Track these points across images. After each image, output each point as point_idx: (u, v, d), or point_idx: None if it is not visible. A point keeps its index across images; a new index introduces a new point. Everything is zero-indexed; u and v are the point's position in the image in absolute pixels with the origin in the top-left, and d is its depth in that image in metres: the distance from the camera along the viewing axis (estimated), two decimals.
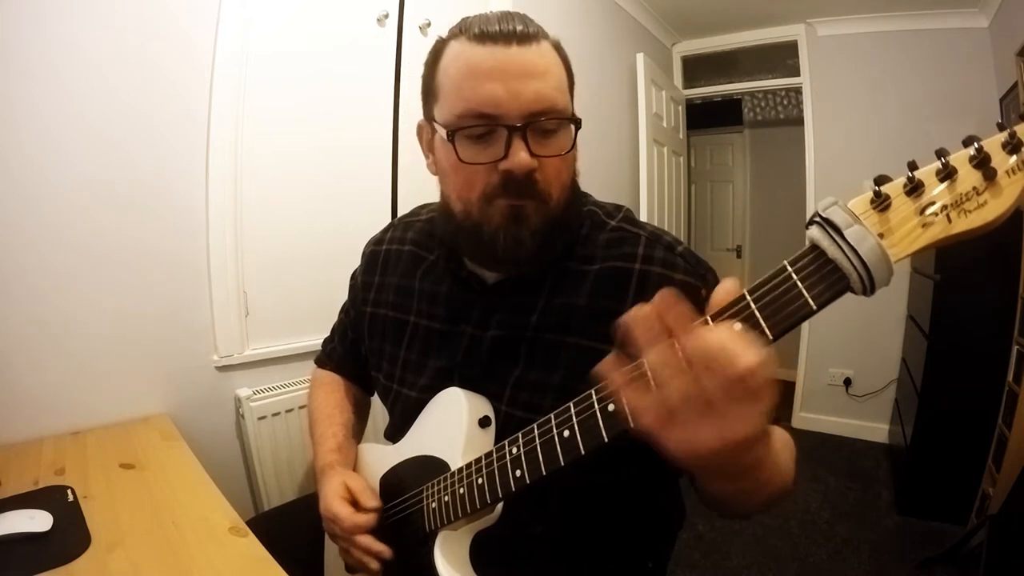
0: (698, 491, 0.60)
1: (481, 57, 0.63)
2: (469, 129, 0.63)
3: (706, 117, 4.16)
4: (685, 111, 3.62)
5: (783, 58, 3.43)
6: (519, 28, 0.64)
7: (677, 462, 0.44)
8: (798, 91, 3.36)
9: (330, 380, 1.01)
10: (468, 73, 0.63)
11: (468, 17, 0.67)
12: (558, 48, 0.69)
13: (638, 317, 0.43)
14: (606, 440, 0.51)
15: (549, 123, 0.64)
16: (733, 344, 0.39)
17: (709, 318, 0.44)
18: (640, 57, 2.92)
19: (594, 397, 0.52)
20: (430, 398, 0.76)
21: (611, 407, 0.51)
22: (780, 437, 0.65)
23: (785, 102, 4.11)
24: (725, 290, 0.45)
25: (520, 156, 0.62)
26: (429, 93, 0.70)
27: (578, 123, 0.67)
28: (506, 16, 0.65)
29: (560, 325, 0.70)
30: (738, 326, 0.42)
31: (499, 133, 0.63)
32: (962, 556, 1.84)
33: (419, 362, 0.81)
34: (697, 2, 3.10)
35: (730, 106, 4.22)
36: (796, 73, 3.29)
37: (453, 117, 0.64)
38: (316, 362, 1.06)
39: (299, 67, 1.51)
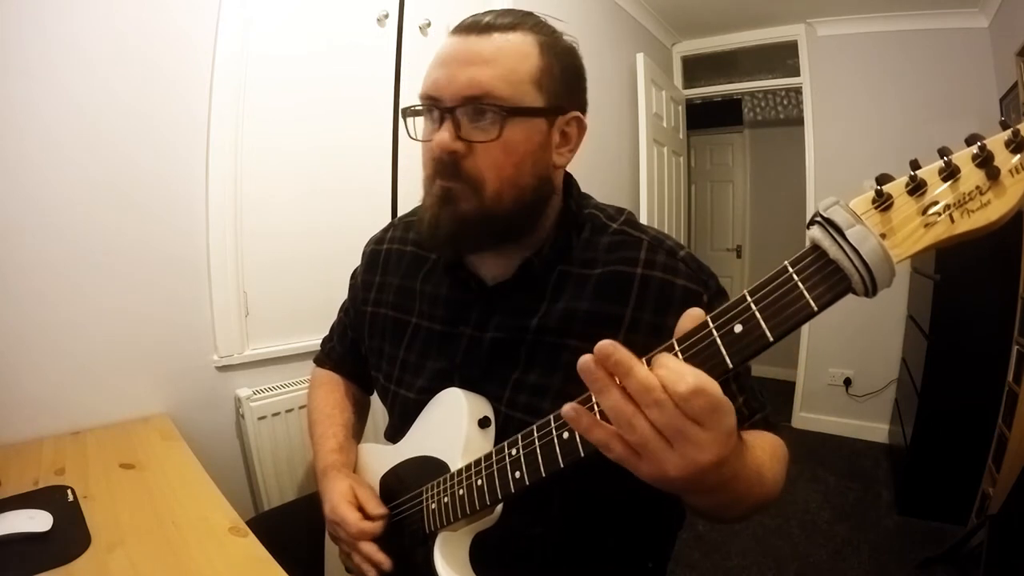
0: (682, 501, 0.61)
1: (443, 47, 0.68)
2: (414, 108, 0.70)
3: (706, 117, 4.16)
4: (685, 111, 3.61)
5: (783, 58, 3.42)
6: (487, 20, 0.66)
7: (653, 485, 0.46)
8: (798, 91, 3.36)
9: (329, 379, 1.01)
10: (432, 61, 0.68)
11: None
12: (547, 45, 0.68)
13: (581, 367, 0.44)
14: None
15: (478, 108, 0.64)
16: (669, 374, 0.42)
17: (675, 342, 0.46)
18: (640, 57, 2.91)
19: (594, 399, 0.52)
20: (429, 399, 0.76)
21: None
22: (767, 445, 0.66)
23: (785, 102, 4.11)
24: (691, 317, 0.46)
25: (440, 135, 0.65)
26: None
27: (508, 113, 0.64)
28: (497, 12, 0.68)
29: (561, 328, 0.70)
30: (688, 353, 0.45)
31: (436, 115, 0.67)
32: (962, 556, 1.84)
33: (418, 363, 0.81)
34: (697, 2, 3.10)
35: (730, 106, 4.22)
36: (796, 73, 3.29)
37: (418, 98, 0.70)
38: (315, 361, 1.06)
39: (299, 67, 1.51)
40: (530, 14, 0.70)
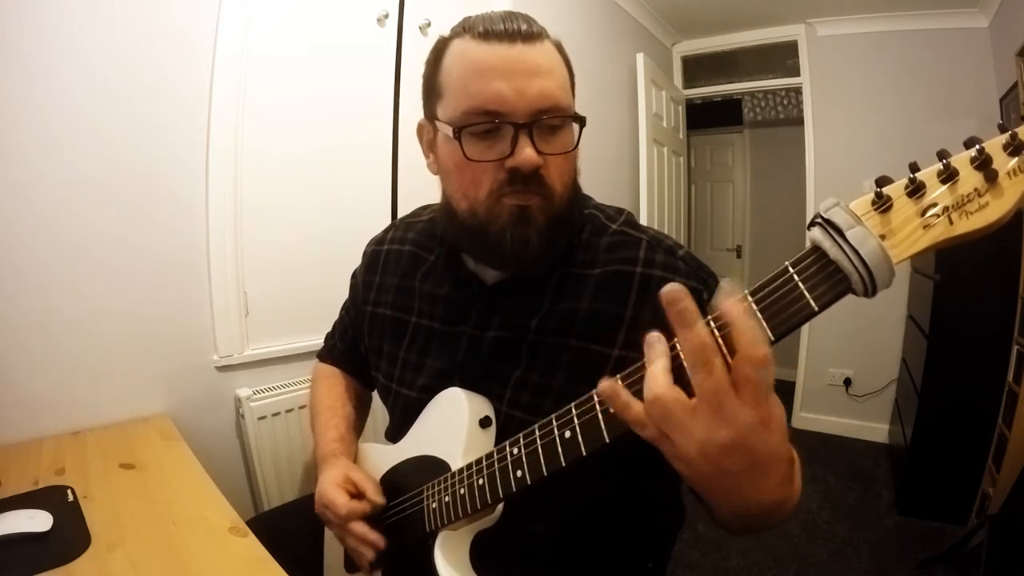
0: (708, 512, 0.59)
1: (486, 55, 0.63)
2: (475, 126, 0.63)
3: (706, 117, 4.16)
4: (685, 111, 3.61)
5: (783, 58, 3.42)
6: (523, 27, 0.64)
7: (686, 470, 0.45)
8: (798, 91, 3.36)
9: (332, 373, 1.01)
10: (474, 71, 0.63)
11: (471, 17, 0.67)
12: (560, 48, 0.69)
13: (669, 295, 0.43)
14: (607, 441, 0.51)
15: (554, 120, 0.64)
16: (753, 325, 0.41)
17: (711, 319, 0.45)
18: (640, 57, 2.91)
19: (596, 399, 0.52)
20: (429, 398, 0.76)
21: (612, 408, 0.51)
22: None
23: (785, 102, 4.11)
24: (727, 294, 0.45)
25: (527, 152, 0.62)
26: (432, 92, 0.70)
27: (582, 121, 0.67)
28: (510, 15, 0.65)
29: (562, 328, 0.70)
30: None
31: (505, 131, 0.63)
32: (962, 556, 1.84)
33: (418, 362, 0.81)
34: (697, 2, 3.10)
35: (730, 106, 4.22)
36: (796, 73, 3.29)
37: (458, 114, 0.64)
38: (318, 356, 1.07)
39: (299, 67, 1.51)
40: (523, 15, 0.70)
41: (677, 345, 0.44)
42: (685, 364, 0.43)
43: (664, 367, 0.44)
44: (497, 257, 0.69)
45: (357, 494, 0.76)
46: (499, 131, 0.63)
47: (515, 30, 0.64)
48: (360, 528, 0.74)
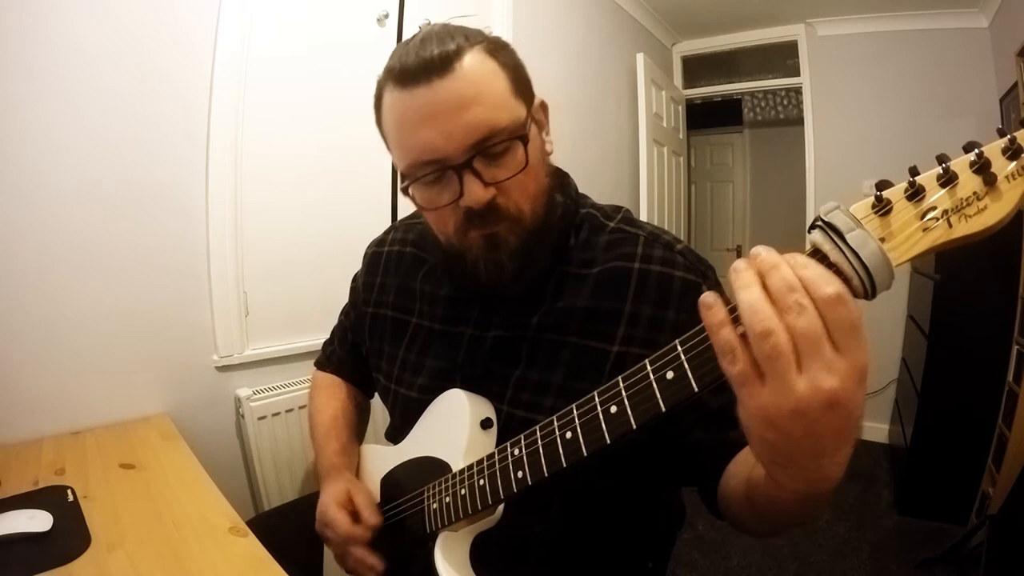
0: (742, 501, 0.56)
1: (407, 104, 0.61)
2: (420, 179, 0.64)
3: (706, 117, 4.16)
4: (685, 111, 3.62)
5: (783, 58, 3.43)
6: (437, 52, 0.60)
7: (767, 431, 0.39)
8: (798, 91, 3.36)
9: (331, 383, 1.01)
10: (401, 124, 0.63)
11: (395, 50, 0.64)
12: (494, 51, 0.64)
13: (733, 269, 0.39)
14: (608, 441, 0.51)
15: (494, 148, 0.62)
16: (813, 276, 0.37)
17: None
18: (640, 57, 2.91)
19: (596, 399, 0.52)
20: (430, 399, 0.77)
21: (613, 408, 0.51)
22: None
23: (785, 102, 4.11)
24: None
25: (473, 192, 0.61)
26: (384, 140, 0.70)
27: (524, 138, 0.62)
28: (424, 41, 0.61)
29: (561, 326, 0.70)
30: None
31: (449, 174, 0.62)
32: (962, 556, 1.84)
33: (419, 362, 0.81)
34: (697, 2, 3.10)
35: (730, 106, 4.22)
36: (796, 73, 3.29)
37: (404, 168, 0.65)
38: (316, 364, 1.06)
39: (299, 67, 1.51)
40: (452, 26, 0.65)
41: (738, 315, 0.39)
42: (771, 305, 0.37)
43: (762, 296, 0.37)
44: (475, 283, 0.71)
45: (355, 513, 0.77)
46: (444, 175, 0.63)
47: (429, 61, 0.60)
48: (359, 552, 0.74)
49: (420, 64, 0.60)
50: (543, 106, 0.71)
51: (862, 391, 0.37)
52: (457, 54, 0.60)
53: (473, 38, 0.63)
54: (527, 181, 0.65)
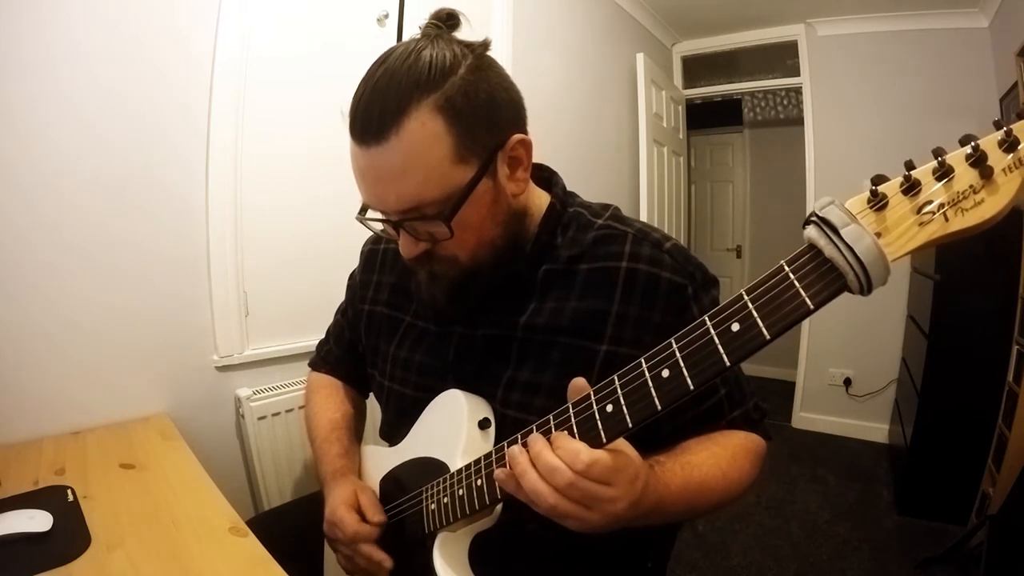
0: None
1: (354, 153, 0.62)
2: (372, 218, 0.69)
3: (706, 117, 4.16)
4: (685, 111, 3.61)
5: (783, 58, 3.43)
6: (377, 113, 0.58)
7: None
8: (798, 91, 3.36)
9: (327, 384, 1.01)
10: (353, 168, 0.64)
11: (363, 76, 0.62)
12: (447, 104, 0.58)
13: (509, 456, 0.55)
14: (604, 441, 0.51)
15: (421, 217, 0.62)
16: (566, 455, 0.50)
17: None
18: (640, 57, 2.92)
19: (592, 398, 0.52)
20: (424, 396, 0.77)
21: (609, 407, 0.51)
22: (725, 451, 0.69)
23: (785, 102, 4.11)
24: (576, 388, 0.54)
25: (405, 246, 0.66)
26: None
27: (446, 217, 0.60)
28: (368, 104, 0.59)
29: (549, 326, 0.70)
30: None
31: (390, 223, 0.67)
32: (962, 556, 1.83)
33: (412, 360, 0.82)
34: (697, 2, 3.10)
35: (730, 106, 4.22)
36: (796, 73, 3.29)
37: (362, 202, 0.68)
38: (311, 365, 1.06)
39: (299, 68, 1.51)
40: (408, 70, 0.58)
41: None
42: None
43: (538, 478, 0.53)
44: (425, 308, 0.79)
45: (361, 513, 0.77)
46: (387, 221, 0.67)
47: (367, 123, 0.58)
48: (367, 549, 0.74)
49: (363, 123, 0.59)
50: (523, 143, 0.65)
51: (639, 485, 0.54)
52: (396, 118, 0.57)
53: (425, 87, 0.57)
54: (467, 237, 0.65)
